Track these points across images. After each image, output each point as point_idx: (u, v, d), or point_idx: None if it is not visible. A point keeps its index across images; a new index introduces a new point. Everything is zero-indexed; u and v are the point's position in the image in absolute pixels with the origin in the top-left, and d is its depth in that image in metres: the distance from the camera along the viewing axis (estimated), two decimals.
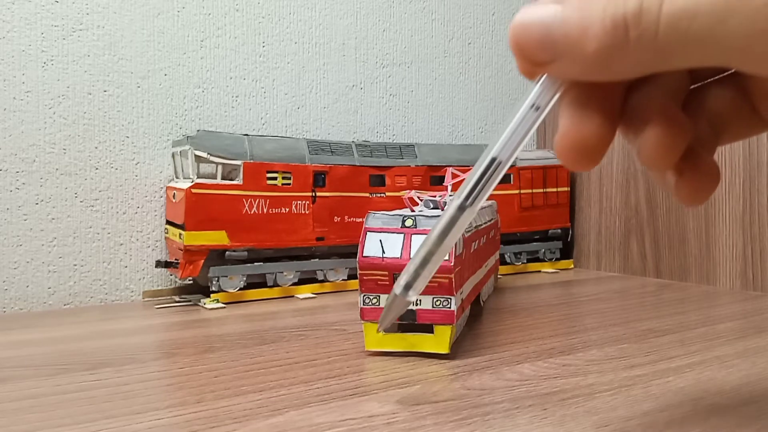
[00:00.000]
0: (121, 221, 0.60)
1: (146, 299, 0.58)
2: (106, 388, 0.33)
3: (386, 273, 0.38)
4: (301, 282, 0.61)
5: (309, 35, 0.70)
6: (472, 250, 0.44)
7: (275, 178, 0.59)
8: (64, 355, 0.40)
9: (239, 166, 0.57)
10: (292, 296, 0.60)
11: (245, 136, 0.59)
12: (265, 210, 0.59)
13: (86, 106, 0.58)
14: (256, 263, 0.59)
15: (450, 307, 0.37)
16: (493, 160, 0.22)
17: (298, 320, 0.50)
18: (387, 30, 0.75)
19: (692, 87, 0.23)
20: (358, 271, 0.38)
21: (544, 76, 0.21)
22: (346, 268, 0.64)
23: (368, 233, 0.38)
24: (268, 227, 0.59)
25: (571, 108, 0.21)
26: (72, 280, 0.58)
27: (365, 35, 0.74)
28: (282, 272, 0.60)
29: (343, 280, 0.63)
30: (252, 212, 0.58)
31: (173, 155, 0.60)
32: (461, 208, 0.22)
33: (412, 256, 0.24)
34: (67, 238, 0.58)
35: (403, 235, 0.38)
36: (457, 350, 0.40)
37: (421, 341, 0.38)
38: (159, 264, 0.57)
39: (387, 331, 0.39)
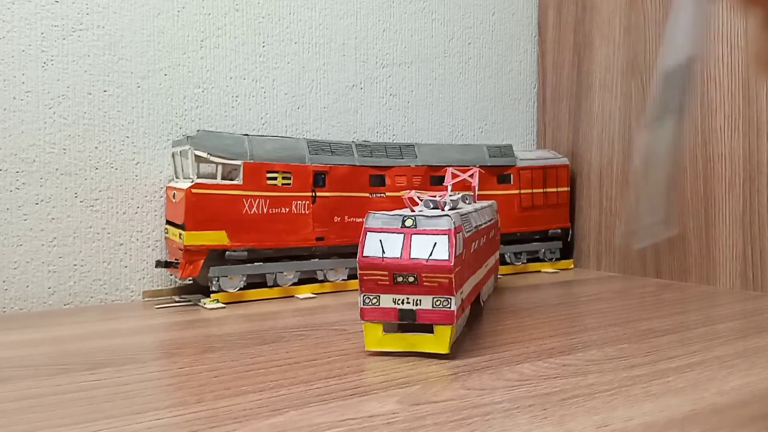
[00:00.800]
0: (121, 221, 0.60)
1: (146, 299, 0.58)
2: (106, 388, 0.33)
3: (386, 273, 0.38)
4: (301, 282, 0.61)
5: (309, 35, 0.70)
6: (472, 250, 0.44)
7: (275, 178, 0.59)
8: (64, 355, 0.40)
9: (239, 166, 0.57)
10: (292, 296, 0.60)
11: (245, 136, 0.59)
12: (265, 210, 0.59)
13: (86, 106, 0.58)
14: (256, 263, 0.59)
15: (450, 307, 0.37)
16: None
17: (298, 320, 0.50)
18: (387, 30, 0.75)
19: None
20: (358, 271, 0.38)
21: None
22: (346, 268, 0.64)
23: (368, 233, 0.38)
24: (268, 227, 0.59)
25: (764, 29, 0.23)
26: (72, 280, 0.58)
27: (365, 35, 0.74)
28: (282, 272, 0.60)
29: (343, 280, 0.63)
30: (252, 212, 0.58)
31: (173, 155, 0.60)
32: None
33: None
34: (67, 238, 0.58)
35: (403, 235, 0.38)
36: (457, 350, 0.40)
37: (421, 341, 0.38)
38: (159, 264, 0.57)
39: (387, 331, 0.39)
